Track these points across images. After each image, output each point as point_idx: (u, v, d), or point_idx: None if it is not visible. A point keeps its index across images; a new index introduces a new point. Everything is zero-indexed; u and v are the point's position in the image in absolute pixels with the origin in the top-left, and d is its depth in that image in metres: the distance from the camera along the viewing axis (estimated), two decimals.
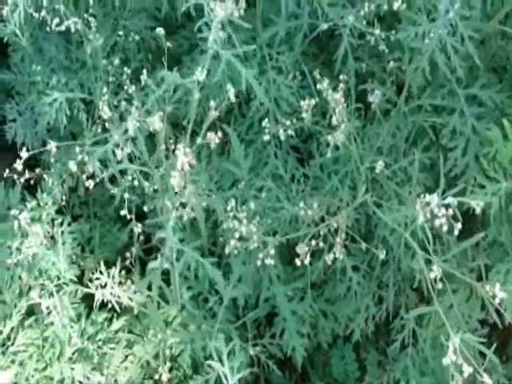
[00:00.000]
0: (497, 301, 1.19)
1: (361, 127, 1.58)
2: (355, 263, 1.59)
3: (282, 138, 1.48)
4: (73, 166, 1.19)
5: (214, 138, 1.17)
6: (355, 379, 1.83)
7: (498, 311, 1.50)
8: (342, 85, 1.39)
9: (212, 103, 1.19)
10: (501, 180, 1.54)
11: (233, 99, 1.18)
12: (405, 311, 1.66)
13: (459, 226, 1.19)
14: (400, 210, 1.43)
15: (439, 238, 1.60)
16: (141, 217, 1.45)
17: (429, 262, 1.27)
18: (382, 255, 1.45)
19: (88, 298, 1.40)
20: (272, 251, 1.35)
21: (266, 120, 1.50)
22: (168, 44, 1.23)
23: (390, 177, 1.58)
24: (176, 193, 1.18)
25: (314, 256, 1.40)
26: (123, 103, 1.17)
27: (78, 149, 1.21)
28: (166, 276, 1.38)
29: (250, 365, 1.55)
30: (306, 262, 1.32)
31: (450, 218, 1.19)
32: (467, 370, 1.09)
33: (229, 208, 1.40)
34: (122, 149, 1.15)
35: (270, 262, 1.34)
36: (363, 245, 1.46)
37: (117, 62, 1.51)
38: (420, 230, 1.27)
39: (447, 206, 1.18)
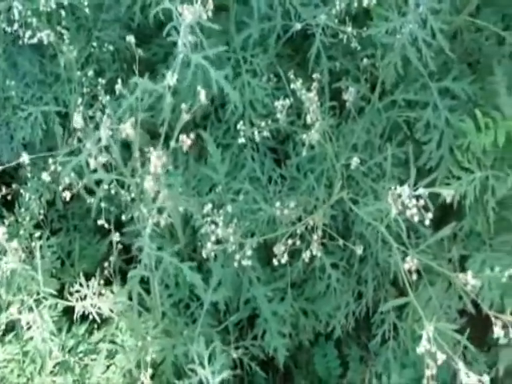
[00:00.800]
0: (469, 288, 1.26)
1: (336, 125, 1.65)
2: (334, 261, 1.66)
3: (257, 139, 1.54)
4: (46, 176, 1.23)
5: (186, 141, 1.21)
6: (338, 376, 1.91)
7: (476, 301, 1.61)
8: (315, 84, 1.45)
9: (183, 106, 1.23)
10: (475, 170, 1.63)
11: (204, 101, 1.21)
12: (384, 306, 1.74)
13: (430, 215, 1.24)
14: (375, 204, 1.52)
15: (416, 230, 1.70)
16: (120, 227, 1.50)
17: (405, 255, 1.33)
18: (359, 251, 1.52)
19: (69, 311, 1.44)
20: (249, 252, 1.40)
21: (241, 123, 1.56)
22: (141, 52, 1.27)
23: (366, 173, 1.65)
24: (153, 200, 1.23)
25: (293, 256, 1.47)
26: (98, 113, 1.22)
27: (50, 160, 1.25)
28: (146, 285, 1.42)
29: (232, 367, 1.61)
30: (283, 261, 1.38)
31: (421, 209, 1.24)
32: (441, 357, 1.15)
33: (205, 212, 1.46)
34: (95, 158, 1.20)
35: (247, 263, 1.40)
36: (341, 242, 1.53)
37: (91, 73, 1.56)
38: (394, 223, 1.34)
39: (418, 197, 1.25)
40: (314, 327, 1.76)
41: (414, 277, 1.29)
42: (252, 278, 1.61)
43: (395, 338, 1.74)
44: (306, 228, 1.45)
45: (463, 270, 1.71)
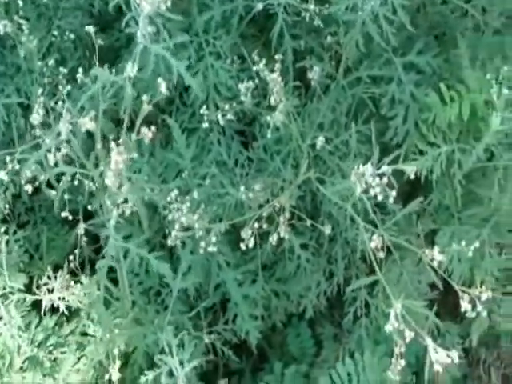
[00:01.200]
0: (435, 264, 1.32)
1: (302, 105, 1.71)
2: (303, 241, 1.73)
3: (222, 123, 1.59)
4: (3, 175, 1.27)
5: (147, 134, 1.26)
6: (312, 355, 2.00)
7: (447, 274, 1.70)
8: (278, 64, 1.50)
9: (144, 97, 1.27)
10: (441, 144, 1.71)
11: (164, 93, 1.26)
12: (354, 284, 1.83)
13: (394, 193, 1.30)
14: (341, 183, 1.59)
15: (383, 206, 1.77)
16: (89, 216, 1.54)
17: (372, 233, 1.39)
18: (327, 231, 1.58)
19: (38, 305, 1.49)
20: (214, 239, 1.46)
21: (204, 108, 1.60)
22: (103, 40, 1.31)
23: (332, 151, 1.72)
24: (116, 192, 1.27)
25: (263, 238, 1.53)
26: (60, 104, 1.25)
27: (8, 158, 1.29)
28: (116, 274, 1.48)
29: (205, 353, 1.70)
30: (251, 245, 1.44)
31: (385, 187, 1.30)
32: (409, 334, 1.23)
33: (171, 199, 1.51)
34: (54, 153, 1.24)
35: (213, 249, 1.46)
36: (309, 222, 1.59)
37: (52, 62, 1.58)
38: (359, 202, 1.40)
39: (382, 175, 1.30)
40: (286, 308, 1.84)
41: (382, 255, 1.36)
42: (221, 263, 1.67)
43: (367, 315, 1.83)
44: (274, 210, 1.52)
45: (433, 244, 1.81)
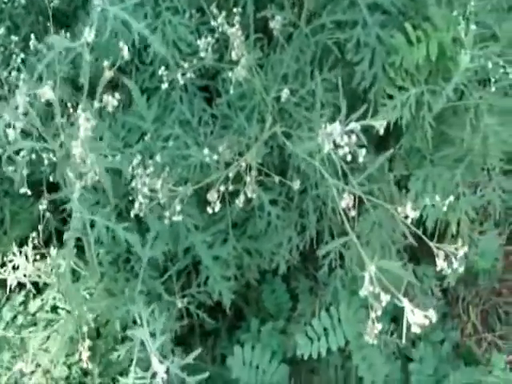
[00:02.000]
0: (409, 221, 1.39)
1: (265, 56, 1.78)
2: (272, 197, 1.83)
3: (181, 82, 1.67)
4: None
5: (111, 102, 1.33)
6: (288, 310, 2.13)
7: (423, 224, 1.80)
8: (237, 18, 1.56)
9: (106, 63, 1.33)
10: (409, 87, 1.78)
11: (126, 57, 1.32)
12: (329, 235, 1.95)
13: (363, 152, 1.36)
14: (310, 138, 1.67)
15: (354, 158, 1.88)
16: (54, 187, 1.61)
17: (342, 190, 1.47)
18: (296, 186, 1.68)
19: (5, 283, 1.58)
20: (178, 207, 1.55)
21: (162, 68, 1.67)
22: (57, 2, 1.35)
23: (298, 103, 1.80)
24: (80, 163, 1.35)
25: (232, 196, 1.62)
26: (14, 74, 1.30)
27: None
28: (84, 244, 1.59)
29: (179, 318, 1.82)
30: (217, 209, 1.53)
31: (354, 146, 1.35)
32: (385, 298, 1.29)
33: (134, 165, 1.60)
34: (13, 127, 1.31)
35: (177, 218, 1.55)
36: (277, 179, 1.69)
37: (3, 31, 1.60)
38: (327, 160, 1.49)
39: (351, 133, 1.36)
40: (259, 265, 1.96)
41: (353, 213, 1.44)
42: (189, 226, 1.77)
43: (342, 266, 1.95)
44: (240, 170, 1.60)
45: (406, 190, 1.93)
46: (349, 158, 1.36)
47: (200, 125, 1.83)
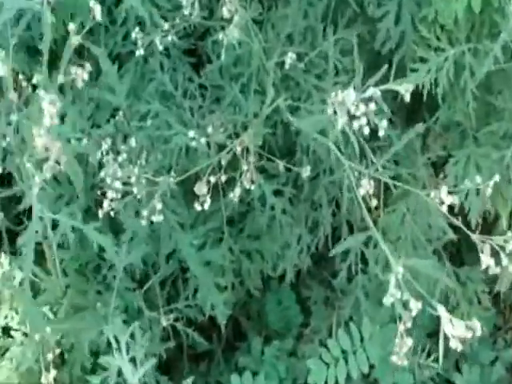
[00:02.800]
0: (444, 208, 1.39)
1: (265, 12, 1.79)
2: (276, 187, 1.84)
3: (161, 46, 1.69)
4: None
5: (80, 75, 1.33)
6: (298, 326, 2.16)
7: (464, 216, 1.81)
8: None
9: (72, 26, 1.33)
10: (446, 48, 1.80)
11: (98, 18, 1.32)
12: (348, 232, 1.96)
13: (384, 124, 1.35)
14: (322, 111, 1.67)
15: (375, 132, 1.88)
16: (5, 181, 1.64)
17: (361, 176, 1.47)
18: (305, 172, 1.70)
19: None
20: (159, 204, 1.56)
21: (136, 30, 1.69)
22: None
23: (307, 69, 1.81)
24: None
25: (228, 186, 1.64)
26: None
27: None
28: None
29: (164, 339, 1.84)
30: (206, 206, 1.54)
31: (373, 116, 1.33)
32: (415, 305, 1.29)
33: (104, 150, 1.62)
34: None
35: (158, 218, 1.56)
36: (281, 164, 1.70)
37: None
38: (343, 138, 1.49)
39: (369, 101, 1.34)
40: (261, 271, 1.98)
41: (374, 203, 1.46)
42: (173, 225, 1.78)
43: (364, 270, 1.97)
44: (236, 154, 1.62)
45: (444, 175, 1.95)
46: (366, 131, 1.35)
47: (185, 98, 1.84)
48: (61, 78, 1.35)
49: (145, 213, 1.58)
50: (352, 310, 2.03)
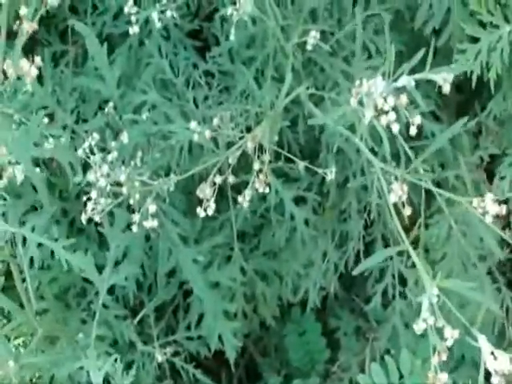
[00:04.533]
0: (488, 220, 1.38)
1: None
2: (296, 193, 1.85)
3: (159, 24, 1.70)
4: None
5: (30, 72, 1.30)
6: (325, 362, 2.16)
7: None
8: None
9: (24, 11, 1.31)
10: (500, 24, 1.80)
11: (54, 3, 1.34)
12: (383, 246, 1.96)
13: (418, 120, 1.33)
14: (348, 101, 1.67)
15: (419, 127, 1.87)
16: None
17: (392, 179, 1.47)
18: (330, 175, 1.70)
19: None
20: (153, 208, 1.55)
21: (131, 3, 1.70)
22: None
23: (333, 52, 1.81)
24: None
25: (238, 191, 1.61)
26: None
27: None
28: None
29: (160, 377, 1.84)
30: (210, 211, 1.53)
31: (404, 109, 1.31)
32: (451, 334, 1.29)
33: (89, 148, 1.62)
34: None
35: (151, 224, 1.55)
36: (302, 164, 1.69)
37: None
38: (367, 134, 1.46)
39: (400, 91, 1.32)
40: (279, 296, 1.98)
41: (408, 211, 1.45)
42: (173, 238, 1.79)
43: (403, 294, 1.96)
44: (248, 152, 1.62)
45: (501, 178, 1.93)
46: (395, 128, 1.33)
47: (188, 87, 1.86)
48: (11, 72, 1.35)
49: (136, 218, 1.58)
50: (388, 342, 2.03)
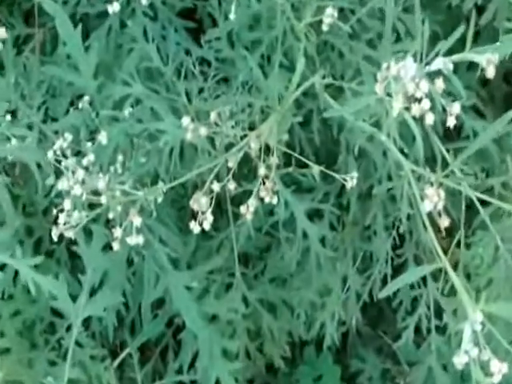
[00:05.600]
0: None
1: None
2: (310, 205, 1.82)
3: (144, 1, 1.65)
4: None
5: None
6: None
7: None
8: None
9: None
10: None
11: None
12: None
13: (457, 108, 1.30)
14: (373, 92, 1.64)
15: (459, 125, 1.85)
16: None
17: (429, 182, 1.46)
18: (351, 182, 1.65)
19: None
20: (137, 221, 1.51)
21: None
22: None
23: (354, 33, 1.80)
24: None
25: (240, 201, 1.58)
26: None
27: None
28: None
29: None
30: (207, 225, 1.49)
31: (439, 97, 1.29)
32: (499, 367, 1.27)
33: (58, 150, 1.59)
34: None
35: (135, 241, 1.51)
36: (316, 168, 1.65)
37: None
38: (395, 130, 1.46)
39: (437, 75, 1.31)
40: (289, 332, 1.96)
41: (446, 222, 1.44)
42: (161, 260, 1.76)
43: (440, 328, 1.93)
44: (251, 154, 1.60)
45: None
46: (429, 119, 1.29)
47: (179, 78, 1.84)
48: None
49: (118, 233, 1.54)
50: None
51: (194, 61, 1.86)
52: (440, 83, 1.30)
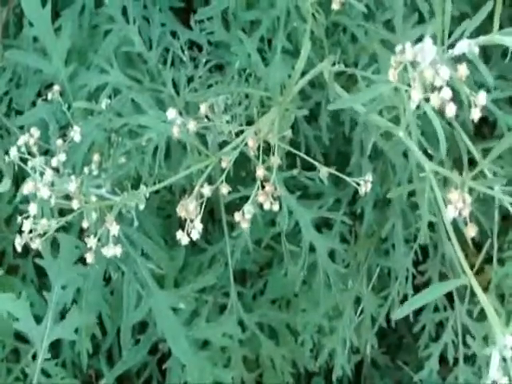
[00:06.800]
0: None
1: None
2: (319, 213, 1.84)
3: None
4: None
5: None
6: None
7: None
8: None
9: None
10: None
11: None
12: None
13: (482, 99, 1.30)
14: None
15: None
16: None
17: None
18: (365, 187, 1.66)
19: None
20: (115, 228, 1.52)
21: None
22: None
23: (370, 14, 1.81)
24: None
25: (236, 209, 1.59)
26: None
27: None
28: None
29: None
30: (196, 235, 1.49)
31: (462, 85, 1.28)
32: None
33: (22, 147, 1.61)
34: None
35: (113, 252, 1.53)
36: (325, 170, 1.65)
37: None
38: (414, 125, 1.49)
39: (458, 61, 1.31)
40: (293, 361, 1.97)
41: (473, 232, 1.42)
42: (144, 278, 1.79)
43: (468, 358, 1.94)
44: (248, 153, 1.62)
45: None
46: (451, 110, 1.29)
47: (165, 65, 1.86)
48: None
49: (92, 243, 1.55)
50: None
51: (182, 45, 1.90)
52: (463, 69, 1.30)
